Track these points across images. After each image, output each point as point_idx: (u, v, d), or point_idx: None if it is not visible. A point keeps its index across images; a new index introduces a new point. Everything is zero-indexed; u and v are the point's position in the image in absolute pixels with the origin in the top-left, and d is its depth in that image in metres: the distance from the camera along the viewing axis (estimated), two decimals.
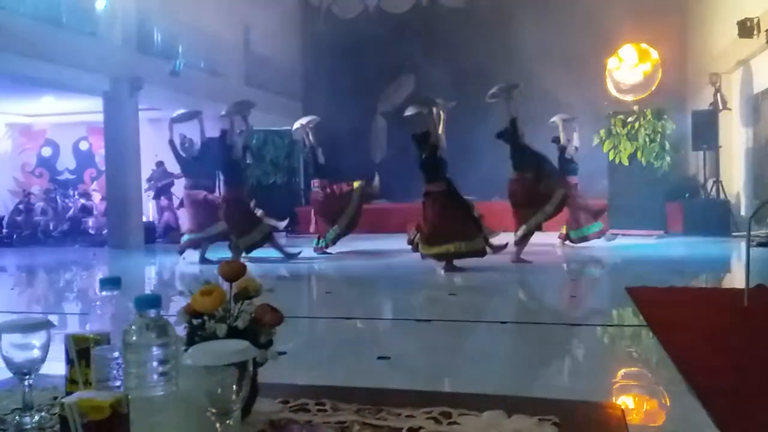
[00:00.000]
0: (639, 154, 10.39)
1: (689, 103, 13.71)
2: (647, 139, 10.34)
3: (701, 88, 12.67)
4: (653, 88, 10.89)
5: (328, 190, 9.00)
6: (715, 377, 2.93)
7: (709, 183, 11.42)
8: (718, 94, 11.39)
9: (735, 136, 11.65)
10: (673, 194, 11.11)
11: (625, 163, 10.48)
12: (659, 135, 10.34)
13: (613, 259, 8.18)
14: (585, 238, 8.76)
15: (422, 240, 6.99)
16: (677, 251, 9.13)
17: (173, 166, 10.76)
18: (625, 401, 2.74)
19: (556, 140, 8.78)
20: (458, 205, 6.96)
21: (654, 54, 10.96)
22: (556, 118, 8.86)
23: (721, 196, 10.83)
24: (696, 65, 13.81)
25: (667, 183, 10.80)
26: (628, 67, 10.95)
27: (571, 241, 8.87)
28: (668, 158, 10.40)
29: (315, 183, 9.10)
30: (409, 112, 7.38)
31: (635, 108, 10.65)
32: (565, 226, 8.91)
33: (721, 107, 11.32)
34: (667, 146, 10.39)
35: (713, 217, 10.40)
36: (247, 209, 7.98)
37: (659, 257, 8.42)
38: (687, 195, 11.74)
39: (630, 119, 10.49)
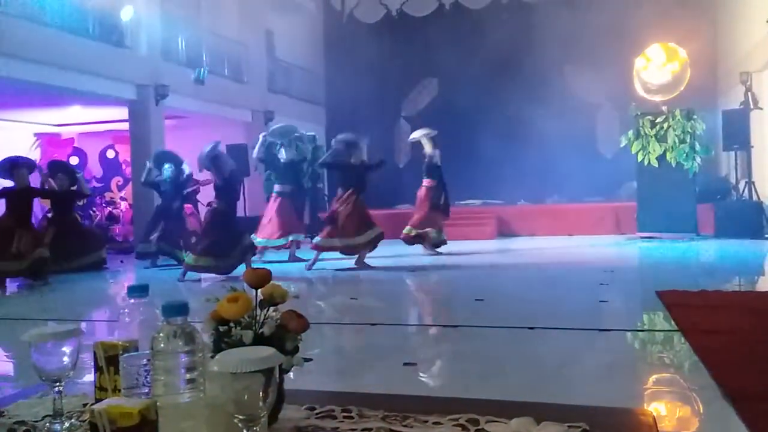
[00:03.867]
0: (668, 155, 10.21)
1: (719, 102, 13.46)
2: (677, 140, 10.16)
3: (731, 87, 12.43)
4: (682, 88, 10.69)
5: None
6: (748, 382, 2.86)
7: (741, 184, 11.18)
8: (749, 93, 11.17)
9: (767, 136, 11.40)
10: (704, 196, 10.89)
11: (654, 164, 10.31)
12: (689, 135, 10.15)
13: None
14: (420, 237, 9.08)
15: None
16: (709, 254, 8.95)
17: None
18: (657, 407, 2.69)
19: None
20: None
21: (682, 53, 10.77)
22: (417, 135, 9.33)
23: (754, 197, 10.59)
24: (726, 64, 13.56)
25: (698, 184, 10.59)
26: (656, 67, 10.77)
27: (408, 238, 9.08)
28: (698, 159, 10.20)
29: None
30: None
31: (664, 108, 10.47)
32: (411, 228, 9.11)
33: (752, 106, 11.10)
34: (697, 147, 10.20)
35: (745, 219, 10.18)
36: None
37: (690, 260, 8.26)
38: (718, 196, 11.50)
39: (659, 120, 10.33)
